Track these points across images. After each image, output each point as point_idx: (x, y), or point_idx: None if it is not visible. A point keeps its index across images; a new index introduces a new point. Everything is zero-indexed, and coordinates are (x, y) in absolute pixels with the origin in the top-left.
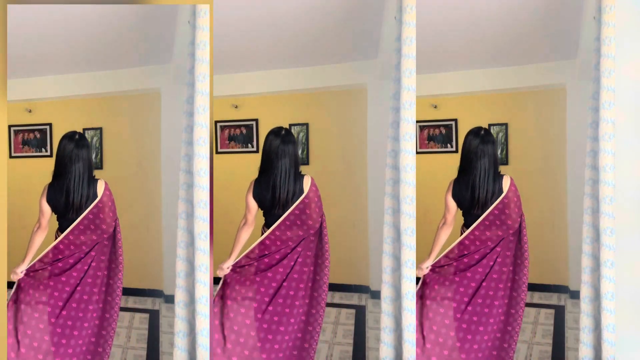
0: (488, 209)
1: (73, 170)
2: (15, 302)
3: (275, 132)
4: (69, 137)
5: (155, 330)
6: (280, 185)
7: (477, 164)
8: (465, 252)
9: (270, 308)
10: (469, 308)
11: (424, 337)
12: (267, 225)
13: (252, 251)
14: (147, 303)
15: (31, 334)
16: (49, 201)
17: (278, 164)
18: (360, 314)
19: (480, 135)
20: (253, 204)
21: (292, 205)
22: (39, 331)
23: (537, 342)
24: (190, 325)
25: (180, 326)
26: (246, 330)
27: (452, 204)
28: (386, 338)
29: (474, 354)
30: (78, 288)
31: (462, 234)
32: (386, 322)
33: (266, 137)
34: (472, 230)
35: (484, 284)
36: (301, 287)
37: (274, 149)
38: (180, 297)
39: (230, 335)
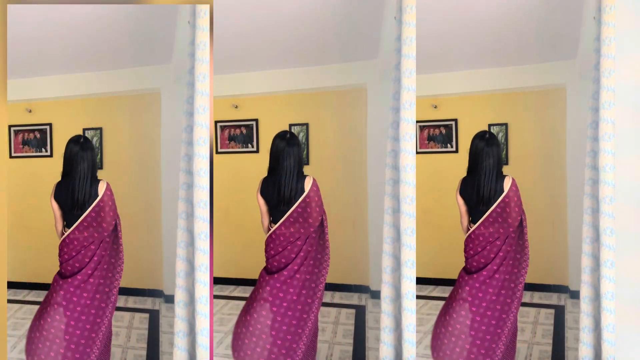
0: (491, 206)
1: (78, 170)
2: (46, 303)
3: (281, 136)
4: (75, 140)
5: (155, 330)
6: (285, 184)
7: (482, 165)
8: (471, 245)
9: (270, 298)
10: (469, 299)
11: (445, 330)
12: (273, 221)
13: (265, 245)
14: (147, 303)
15: (47, 327)
16: (56, 199)
17: (283, 164)
18: (360, 314)
19: (485, 138)
20: (261, 201)
21: (294, 204)
22: (54, 327)
23: (537, 342)
24: (190, 325)
25: (180, 326)
26: (260, 327)
27: (461, 201)
28: (386, 338)
29: (472, 337)
30: (78, 277)
31: (468, 229)
32: (386, 322)
33: (273, 139)
34: (478, 226)
35: (483, 272)
36: (298, 277)
37: (280, 151)
38: (180, 297)
39: (249, 327)
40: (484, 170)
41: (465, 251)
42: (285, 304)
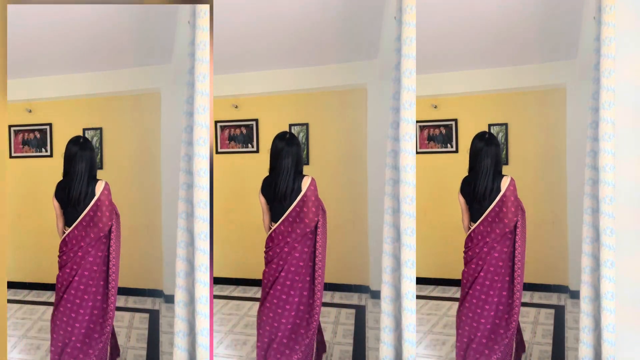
0: (489, 205)
1: (77, 170)
2: (55, 304)
3: (281, 136)
4: (75, 141)
5: (155, 330)
6: (282, 183)
7: (481, 164)
8: (470, 245)
9: (275, 300)
10: (473, 300)
11: (462, 330)
12: (272, 219)
13: (265, 244)
14: (147, 303)
15: (57, 329)
16: (56, 197)
17: (282, 163)
18: (360, 314)
19: (485, 138)
20: (262, 200)
21: (293, 202)
22: (62, 329)
23: (537, 342)
24: (190, 325)
25: (180, 326)
26: (269, 328)
27: (462, 200)
28: (386, 338)
29: (472, 340)
30: (75, 278)
31: (469, 228)
32: (386, 322)
33: (273, 140)
34: (477, 225)
35: (481, 273)
36: (297, 279)
37: (279, 151)
38: (180, 296)
39: (260, 330)
40: (481, 169)
41: (464, 250)
42: (288, 306)
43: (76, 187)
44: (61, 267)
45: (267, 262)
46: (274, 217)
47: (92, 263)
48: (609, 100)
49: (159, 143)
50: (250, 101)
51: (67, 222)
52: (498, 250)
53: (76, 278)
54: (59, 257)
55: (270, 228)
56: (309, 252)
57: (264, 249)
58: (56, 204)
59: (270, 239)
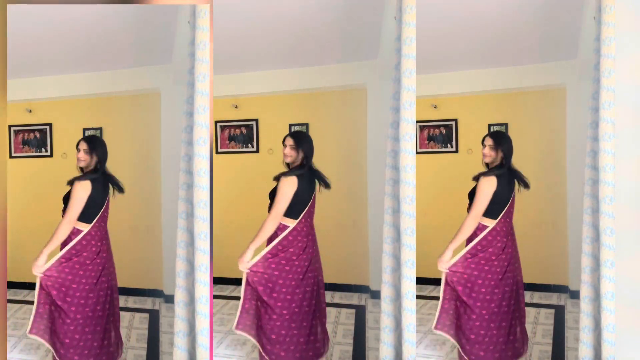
0: (509, 200)
1: (104, 166)
2: (48, 304)
3: (306, 133)
4: (101, 139)
5: (155, 330)
6: (321, 175)
7: (510, 161)
8: (498, 238)
9: (298, 296)
10: (487, 297)
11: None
12: (288, 215)
13: (285, 238)
14: (147, 303)
15: (65, 332)
16: (92, 193)
17: (311, 159)
18: (360, 314)
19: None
20: (290, 194)
21: (311, 197)
22: (64, 326)
23: (537, 342)
24: (190, 325)
25: (180, 326)
26: (293, 332)
27: (490, 192)
28: (386, 338)
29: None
30: (104, 270)
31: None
32: (386, 322)
33: (306, 136)
34: (500, 219)
35: (507, 263)
36: (317, 268)
37: (312, 146)
38: (180, 296)
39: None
40: (512, 166)
41: (481, 250)
42: (314, 304)
43: (116, 181)
44: (77, 262)
45: (287, 260)
46: (293, 214)
47: (108, 253)
48: (609, 100)
49: (159, 143)
50: (250, 101)
51: (88, 219)
52: (513, 241)
53: (98, 271)
54: (76, 254)
55: (287, 227)
56: (316, 244)
57: (271, 252)
58: (84, 196)
59: (296, 232)
